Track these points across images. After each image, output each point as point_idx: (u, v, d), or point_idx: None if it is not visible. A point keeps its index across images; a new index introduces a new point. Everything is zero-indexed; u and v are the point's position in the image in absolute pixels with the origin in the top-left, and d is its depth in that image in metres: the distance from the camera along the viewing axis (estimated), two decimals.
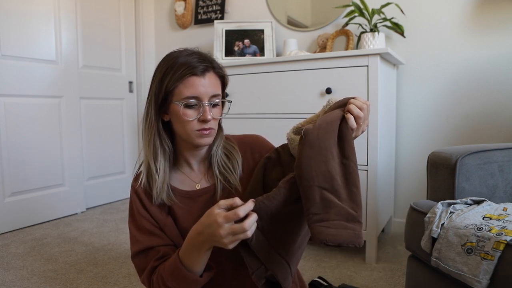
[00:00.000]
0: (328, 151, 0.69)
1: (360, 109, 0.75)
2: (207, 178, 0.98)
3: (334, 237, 0.63)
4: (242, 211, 0.70)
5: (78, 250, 1.87)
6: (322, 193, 0.66)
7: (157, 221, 0.92)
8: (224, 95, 0.95)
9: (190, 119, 0.86)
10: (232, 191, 0.94)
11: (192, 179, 0.97)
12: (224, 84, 0.94)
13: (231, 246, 0.71)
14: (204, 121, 0.86)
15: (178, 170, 0.98)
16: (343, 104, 0.77)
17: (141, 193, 0.93)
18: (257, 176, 0.89)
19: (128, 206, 0.97)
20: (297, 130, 0.88)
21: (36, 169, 2.30)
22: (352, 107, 0.75)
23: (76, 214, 2.53)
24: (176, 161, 0.98)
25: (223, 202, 0.73)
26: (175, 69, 0.85)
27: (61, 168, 2.44)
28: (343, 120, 0.73)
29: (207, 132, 0.87)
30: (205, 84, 0.85)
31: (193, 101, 0.85)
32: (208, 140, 0.89)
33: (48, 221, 2.36)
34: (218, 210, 0.72)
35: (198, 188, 0.96)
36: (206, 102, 0.85)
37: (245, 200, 0.77)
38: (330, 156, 0.69)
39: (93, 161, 2.69)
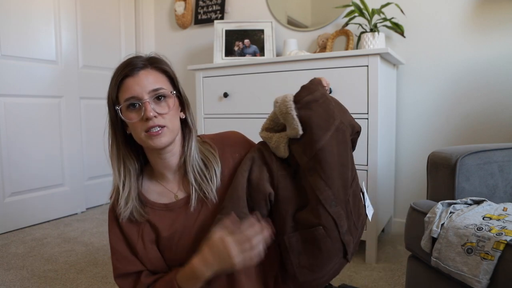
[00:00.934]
0: None
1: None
2: (182, 187, 0.92)
3: None
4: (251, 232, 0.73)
5: (78, 250, 1.87)
6: None
7: (129, 242, 0.89)
8: (177, 90, 0.89)
9: (135, 121, 0.82)
10: (207, 203, 0.89)
11: (170, 189, 0.93)
12: (171, 79, 0.89)
13: (238, 261, 0.71)
14: (147, 119, 0.80)
15: (155, 181, 0.94)
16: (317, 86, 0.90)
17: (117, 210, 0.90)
18: (240, 180, 0.86)
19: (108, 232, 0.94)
20: (268, 128, 0.91)
21: (36, 169, 2.30)
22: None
23: (76, 214, 2.53)
24: (152, 173, 0.94)
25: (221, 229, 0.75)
26: (112, 78, 0.84)
27: (61, 168, 2.44)
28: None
29: (155, 131, 0.81)
30: (141, 82, 0.82)
31: (131, 101, 0.81)
32: (161, 140, 0.82)
33: (48, 221, 2.36)
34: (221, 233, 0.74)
35: (176, 199, 0.92)
36: (145, 99, 0.81)
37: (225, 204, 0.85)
38: None
39: (93, 161, 2.68)
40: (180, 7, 2.76)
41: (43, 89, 2.32)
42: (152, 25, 3.00)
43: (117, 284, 0.90)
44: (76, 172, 2.53)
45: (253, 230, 0.73)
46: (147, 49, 2.96)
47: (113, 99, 0.85)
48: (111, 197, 0.92)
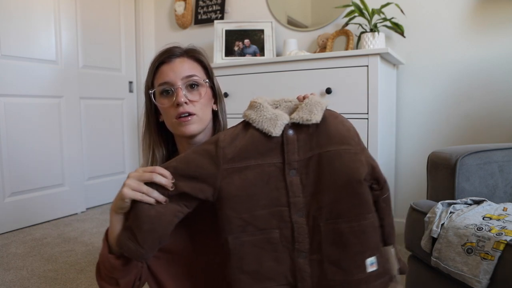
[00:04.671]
0: None
1: None
2: None
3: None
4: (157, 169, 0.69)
5: (78, 250, 1.87)
6: None
7: None
8: (211, 80, 0.91)
9: (166, 106, 0.83)
10: None
11: None
12: (206, 70, 0.90)
13: (126, 190, 0.69)
14: (178, 104, 0.81)
15: None
16: None
17: None
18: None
19: None
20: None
21: (36, 169, 2.30)
22: None
23: (76, 214, 2.53)
24: None
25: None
26: (150, 66, 0.86)
27: (61, 168, 2.44)
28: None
29: (185, 118, 0.82)
30: (175, 68, 0.83)
31: (164, 86, 0.83)
32: (191, 128, 0.82)
33: (48, 221, 2.36)
34: None
35: None
36: (178, 84, 0.82)
37: None
38: None
39: (93, 161, 2.68)
40: (180, 7, 2.76)
41: (43, 89, 2.32)
42: (152, 25, 3.00)
43: None
44: (76, 172, 2.53)
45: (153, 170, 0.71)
46: (147, 49, 2.97)
47: (149, 85, 0.87)
48: None
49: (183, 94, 0.81)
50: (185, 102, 0.82)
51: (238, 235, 0.71)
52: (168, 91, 0.84)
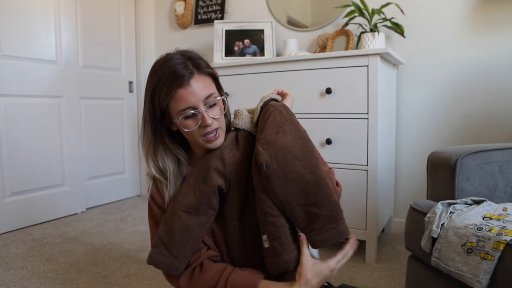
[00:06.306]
0: (293, 172, 0.79)
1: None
2: None
3: (323, 242, 0.76)
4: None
5: (78, 250, 1.87)
6: (305, 208, 0.78)
7: None
8: (220, 89, 0.95)
9: (192, 129, 0.86)
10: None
11: None
12: (215, 79, 0.93)
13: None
14: (205, 126, 0.86)
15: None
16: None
17: (156, 196, 0.95)
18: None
19: (148, 217, 0.98)
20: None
21: (36, 169, 2.30)
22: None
23: (76, 214, 2.53)
24: (196, 158, 0.99)
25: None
26: (160, 87, 0.85)
27: (61, 168, 2.44)
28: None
29: (212, 136, 0.87)
30: (194, 91, 0.84)
31: (189, 111, 0.85)
32: (218, 142, 0.89)
33: (48, 221, 2.36)
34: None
35: None
36: (201, 108, 0.85)
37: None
38: (297, 175, 0.79)
39: (93, 161, 2.68)
40: (180, 7, 2.76)
41: (43, 89, 2.32)
42: (152, 25, 3.00)
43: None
44: (76, 172, 2.53)
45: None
46: (147, 49, 2.96)
47: (161, 106, 0.86)
48: (149, 189, 0.97)
49: (209, 116, 0.86)
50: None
51: (242, 220, 0.87)
52: (190, 113, 0.86)
